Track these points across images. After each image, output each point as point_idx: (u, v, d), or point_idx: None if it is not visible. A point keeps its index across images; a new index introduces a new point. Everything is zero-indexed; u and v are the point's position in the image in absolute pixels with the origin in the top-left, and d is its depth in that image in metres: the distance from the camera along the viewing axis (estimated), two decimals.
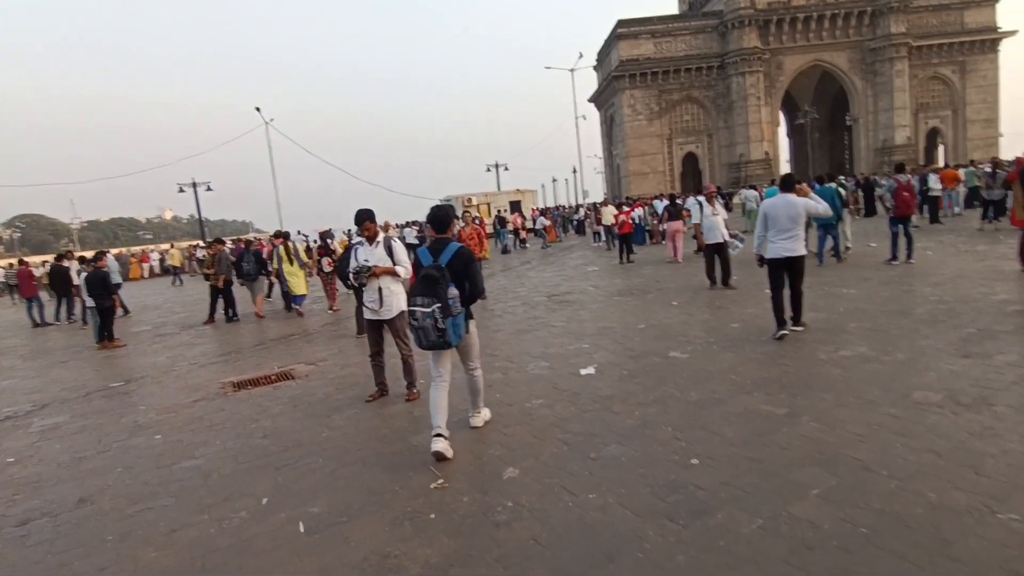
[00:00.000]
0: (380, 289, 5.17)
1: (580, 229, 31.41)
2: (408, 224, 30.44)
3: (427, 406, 4.17)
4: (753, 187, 26.41)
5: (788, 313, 6.36)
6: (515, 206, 36.27)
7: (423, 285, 3.87)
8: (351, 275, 5.23)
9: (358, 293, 5.95)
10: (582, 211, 33.34)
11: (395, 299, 5.26)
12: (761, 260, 6.53)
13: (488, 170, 43.84)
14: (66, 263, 14.89)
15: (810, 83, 55.17)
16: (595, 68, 61.85)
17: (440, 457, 3.90)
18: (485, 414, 4.59)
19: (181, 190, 33.40)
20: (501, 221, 24.44)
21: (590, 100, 64.64)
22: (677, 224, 13.84)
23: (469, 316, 4.20)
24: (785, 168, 56.44)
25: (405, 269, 5.23)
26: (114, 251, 32.75)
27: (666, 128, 54.23)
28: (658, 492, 3.26)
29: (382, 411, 5.21)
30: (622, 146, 55.78)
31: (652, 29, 52.46)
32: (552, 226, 27.05)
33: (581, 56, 43.59)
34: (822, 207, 6.34)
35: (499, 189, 43.18)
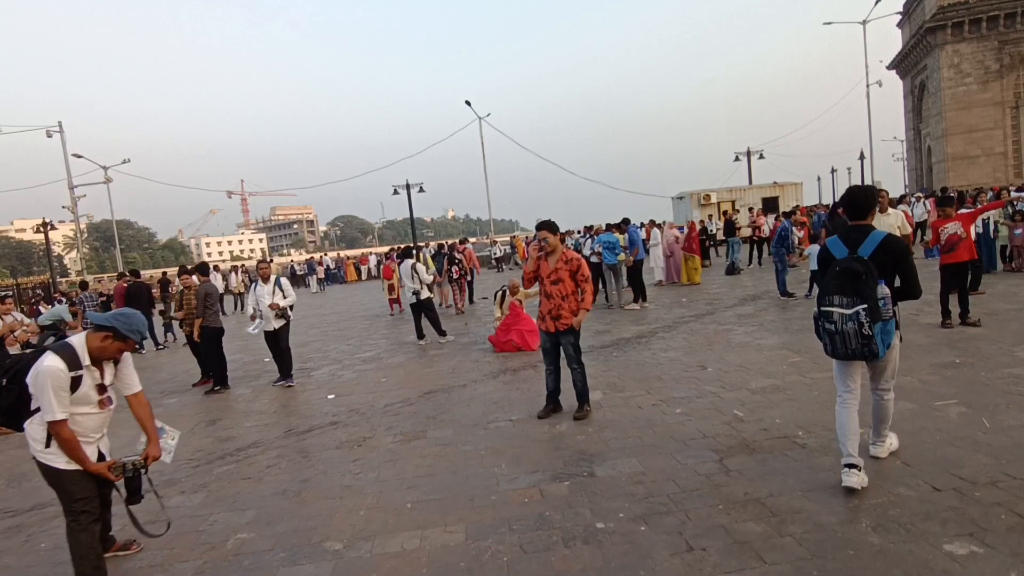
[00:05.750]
0: None
1: None
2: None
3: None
4: None
5: None
6: (770, 204, 28.03)
7: (840, 281, 3.22)
8: None
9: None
10: None
11: None
12: None
13: (736, 159, 35.49)
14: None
15: None
16: (898, 25, 47.67)
17: (851, 491, 3.30)
18: (892, 442, 3.72)
19: (396, 192, 32.65)
20: (729, 226, 16.67)
21: (890, 67, 50.12)
22: None
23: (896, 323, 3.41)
24: None
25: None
26: (332, 253, 33.30)
27: (1009, 93, 38.66)
28: None
29: None
30: (937, 122, 41.44)
31: None
32: (808, 231, 18.56)
33: (878, 1, 32.44)
34: None
35: (750, 183, 34.74)
